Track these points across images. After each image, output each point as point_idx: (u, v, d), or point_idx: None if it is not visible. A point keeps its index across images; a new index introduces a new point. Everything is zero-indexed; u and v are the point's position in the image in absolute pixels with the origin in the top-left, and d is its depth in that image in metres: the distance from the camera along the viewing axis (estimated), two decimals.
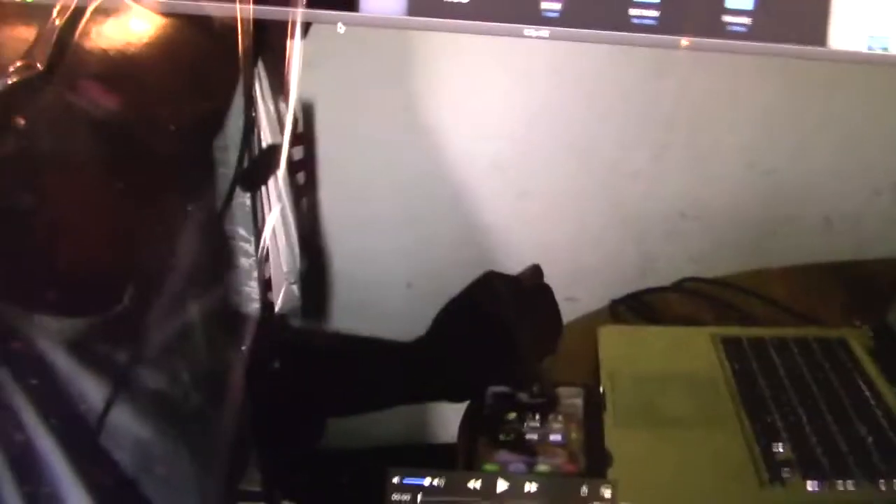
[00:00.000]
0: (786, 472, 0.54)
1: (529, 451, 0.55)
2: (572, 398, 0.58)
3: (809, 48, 0.50)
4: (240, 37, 0.49)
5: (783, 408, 0.60)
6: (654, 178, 0.53)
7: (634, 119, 0.52)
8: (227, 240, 0.51)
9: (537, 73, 0.52)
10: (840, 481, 0.53)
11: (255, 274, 0.50)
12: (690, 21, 0.51)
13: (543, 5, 0.51)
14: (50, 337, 0.50)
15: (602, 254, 0.56)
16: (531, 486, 0.52)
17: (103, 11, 0.49)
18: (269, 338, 0.51)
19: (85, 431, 0.51)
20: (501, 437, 0.55)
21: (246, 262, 0.50)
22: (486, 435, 0.56)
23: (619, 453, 0.56)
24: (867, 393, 0.61)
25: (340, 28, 0.50)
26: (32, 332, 0.50)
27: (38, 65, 0.49)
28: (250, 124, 0.50)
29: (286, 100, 0.50)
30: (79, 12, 0.49)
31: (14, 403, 0.50)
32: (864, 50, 0.48)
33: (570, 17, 0.51)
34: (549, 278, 0.55)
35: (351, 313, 0.53)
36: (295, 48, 0.49)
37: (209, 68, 0.51)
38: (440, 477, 0.52)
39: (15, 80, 0.48)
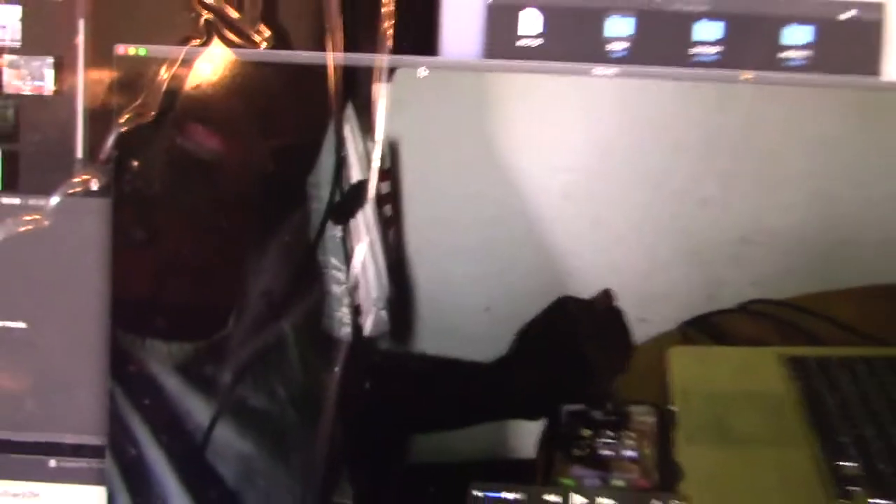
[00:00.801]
0: (853, 490, 0.55)
1: (604, 467, 0.57)
2: (644, 416, 0.59)
3: (864, 78, 0.53)
4: (331, 82, 0.53)
5: (851, 426, 0.60)
6: (721, 205, 0.54)
7: (701, 150, 0.54)
8: (321, 269, 0.53)
9: (606, 109, 0.53)
10: None
11: (347, 300, 0.53)
12: (750, 55, 0.54)
13: (610, 46, 0.54)
14: (161, 360, 0.55)
15: (671, 278, 0.57)
16: (606, 500, 0.54)
17: (208, 60, 0.53)
18: (360, 360, 0.54)
19: (192, 447, 0.55)
20: (577, 452, 0.57)
21: (338, 290, 0.53)
22: (562, 451, 0.57)
23: (690, 470, 0.57)
24: None
25: (423, 72, 0.53)
26: (145, 355, 0.55)
27: (151, 112, 0.54)
28: (341, 162, 0.53)
29: (373, 139, 0.52)
30: (186, 63, 0.53)
31: (128, 421, 0.55)
32: None
33: (636, 55, 0.54)
34: (621, 302, 0.56)
35: (435, 336, 0.55)
36: (381, 91, 0.53)
37: (302, 112, 0.55)
38: (519, 491, 0.54)
39: (131, 126, 0.53)
